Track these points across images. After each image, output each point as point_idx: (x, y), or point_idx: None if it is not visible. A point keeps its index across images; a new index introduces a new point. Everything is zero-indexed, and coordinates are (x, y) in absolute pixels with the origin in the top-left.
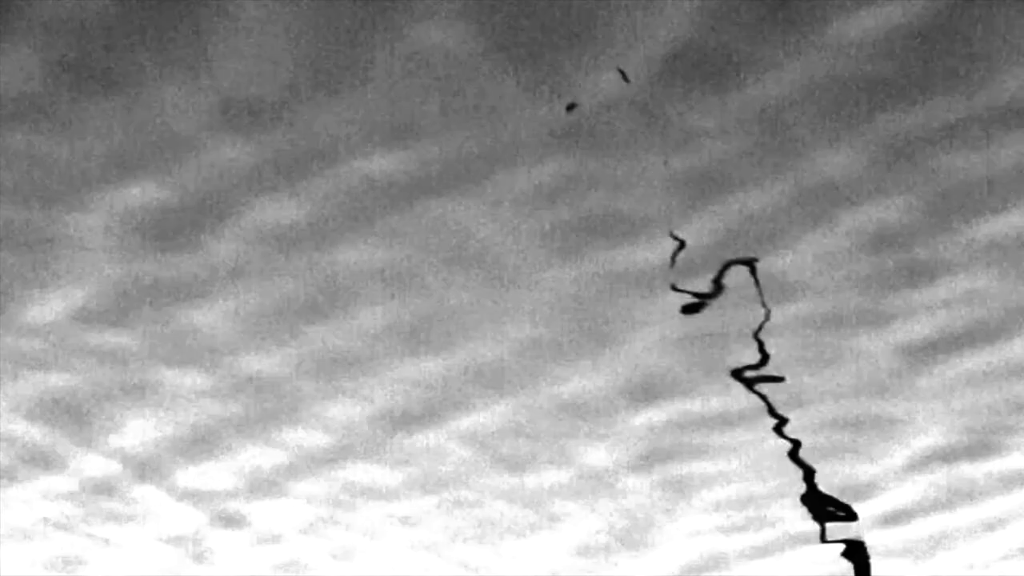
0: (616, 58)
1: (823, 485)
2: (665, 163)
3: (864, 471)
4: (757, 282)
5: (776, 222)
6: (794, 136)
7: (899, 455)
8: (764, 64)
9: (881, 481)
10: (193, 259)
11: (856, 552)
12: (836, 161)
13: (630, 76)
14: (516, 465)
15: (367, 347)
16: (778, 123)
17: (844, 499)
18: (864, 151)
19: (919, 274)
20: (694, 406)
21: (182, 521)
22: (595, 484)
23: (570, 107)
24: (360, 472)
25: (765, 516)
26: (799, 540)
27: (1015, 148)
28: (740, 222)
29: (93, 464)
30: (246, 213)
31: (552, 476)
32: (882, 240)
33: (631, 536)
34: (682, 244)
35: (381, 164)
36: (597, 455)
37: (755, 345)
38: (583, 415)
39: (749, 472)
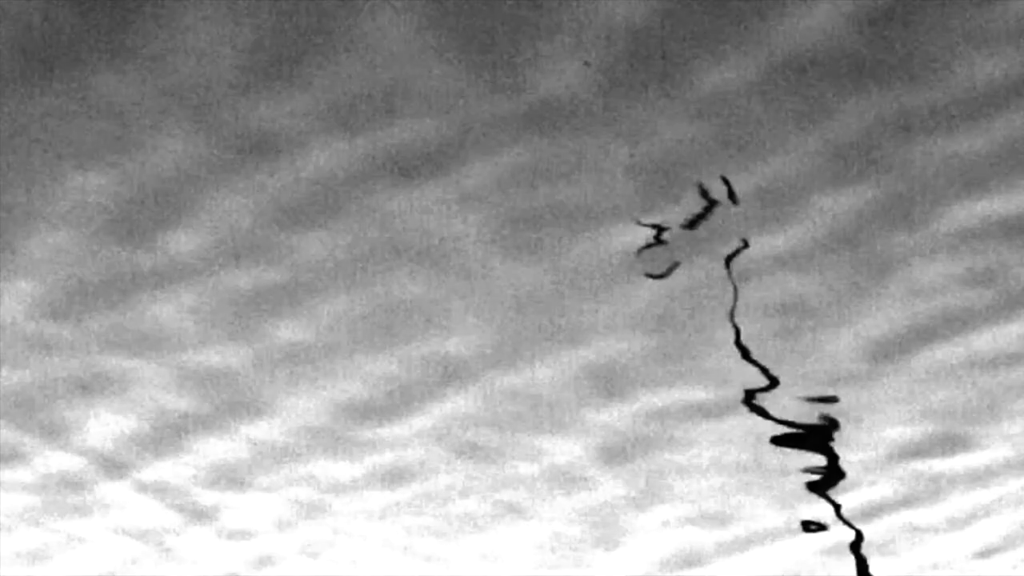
0: (571, 47)
1: (790, 483)
2: (631, 155)
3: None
4: (730, 273)
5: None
6: (751, 127)
7: (865, 451)
8: (720, 53)
9: (848, 477)
10: (150, 253)
11: (856, 547)
12: (794, 152)
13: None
14: (483, 459)
15: (329, 340)
16: (735, 114)
17: (811, 495)
18: (822, 142)
19: (881, 267)
20: (663, 398)
21: (148, 516)
22: (564, 478)
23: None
24: (325, 466)
25: (740, 510)
26: (775, 534)
27: (976, 138)
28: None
29: (55, 459)
30: (202, 206)
31: (520, 471)
32: (844, 232)
33: (603, 531)
34: (660, 232)
35: (336, 156)
36: (566, 449)
37: (724, 336)
38: (550, 409)
39: (722, 465)
